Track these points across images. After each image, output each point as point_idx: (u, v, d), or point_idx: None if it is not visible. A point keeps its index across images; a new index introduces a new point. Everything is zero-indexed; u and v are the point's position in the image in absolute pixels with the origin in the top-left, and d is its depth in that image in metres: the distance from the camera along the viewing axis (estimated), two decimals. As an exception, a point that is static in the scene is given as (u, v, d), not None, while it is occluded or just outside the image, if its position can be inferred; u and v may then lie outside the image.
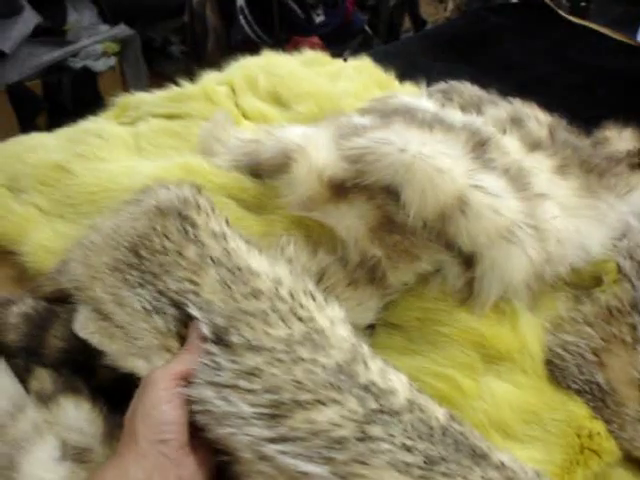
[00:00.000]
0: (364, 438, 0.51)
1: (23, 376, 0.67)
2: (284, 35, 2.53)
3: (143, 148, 0.99)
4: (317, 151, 0.72)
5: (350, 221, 0.69)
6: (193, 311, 0.59)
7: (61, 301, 0.75)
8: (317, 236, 0.72)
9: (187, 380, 0.55)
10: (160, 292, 0.61)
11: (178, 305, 0.60)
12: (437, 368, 0.67)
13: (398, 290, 0.70)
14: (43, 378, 0.66)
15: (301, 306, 0.59)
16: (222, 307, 0.58)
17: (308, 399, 0.52)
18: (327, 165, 0.71)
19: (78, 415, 0.61)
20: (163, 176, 0.83)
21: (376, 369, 0.56)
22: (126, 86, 2.46)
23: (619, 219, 0.81)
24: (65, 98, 2.29)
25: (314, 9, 2.52)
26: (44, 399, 0.63)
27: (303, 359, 0.55)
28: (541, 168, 0.81)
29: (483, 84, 1.15)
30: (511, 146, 0.83)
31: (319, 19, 2.54)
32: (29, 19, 2.18)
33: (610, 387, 0.68)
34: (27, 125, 2.15)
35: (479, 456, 0.53)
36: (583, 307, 0.74)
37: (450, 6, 3.40)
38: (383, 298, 0.69)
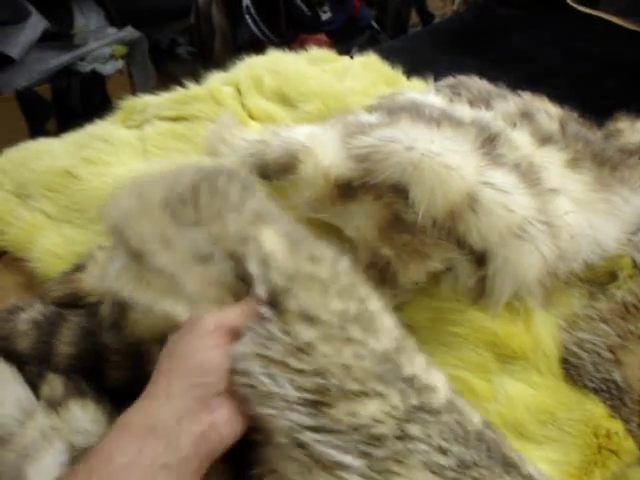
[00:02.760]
0: (403, 437, 0.49)
1: (36, 382, 0.67)
2: (291, 33, 2.52)
3: (149, 151, 0.99)
4: (323, 151, 0.71)
5: (359, 221, 0.68)
6: (251, 264, 0.54)
7: (70, 306, 0.75)
8: (326, 237, 0.71)
9: (235, 336, 0.51)
10: (216, 236, 0.56)
11: (234, 256, 0.55)
12: (450, 369, 0.66)
13: (409, 290, 0.69)
14: (54, 384, 0.66)
15: (356, 285, 0.56)
16: (284, 264, 0.54)
17: (354, 390, 0.49)
18: (334, 165, 0.70)
19: (84, 417, 0.61)
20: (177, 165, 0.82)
21: (420, 363, 0.54)
22: (134, 88, 2.46)
23: (634, 213, 0.80)
24: (74, 102, 2.30)
25: (320, 6, 2.51)
26: (54, 404, 0.63)
27: (354, 340, 0.52)
28: (552, 162, 0.80)
29: (492, 77, 1.14)
30: (521, 141, 0.82)
31: (326, 16, 2.53)
32: (36, 24, 2.18)
33: (627, 385, 0.66)
34: (37, 130, 2.16)
35: (510, 465, 0.52)
36: (598, 304, 0.72)
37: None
38: (394, 299, 0.68)
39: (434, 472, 0.48)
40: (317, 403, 0.49)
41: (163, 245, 0.56)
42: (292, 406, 0.49)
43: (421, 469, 0.48)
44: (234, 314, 0.53)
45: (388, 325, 0.55)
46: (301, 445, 0.48)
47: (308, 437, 0.48)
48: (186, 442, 0.46)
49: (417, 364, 0.53)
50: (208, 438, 0.48)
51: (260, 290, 0.52)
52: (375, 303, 0.56)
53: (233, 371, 0.50)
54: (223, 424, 0.49)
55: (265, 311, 0.52)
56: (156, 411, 0.47)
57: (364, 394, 0.50)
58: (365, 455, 0.48)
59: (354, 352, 0.51)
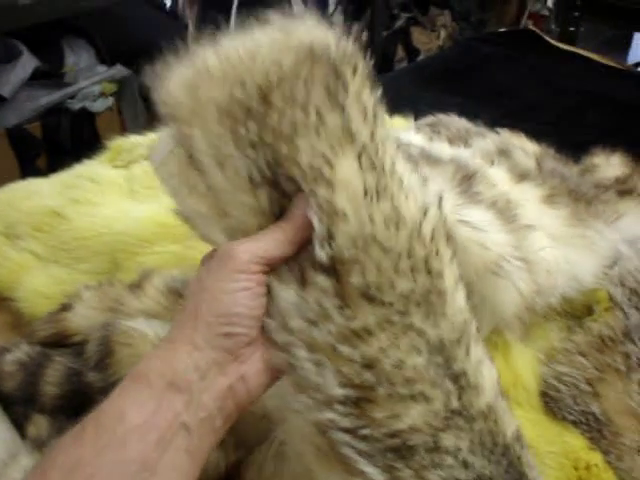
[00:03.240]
0: (432, 449, 0.44)
1: (22, 423, 0.68)
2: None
3: (136, 191, 1.00)
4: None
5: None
6: (312, 217, 0.43)
7: (57, 345, 0.76)
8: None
9: (271, 268, 0.45)
10: (279, 161, 0.45)
11: (297, 188, 0.45)
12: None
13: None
14: (40, 425, 0.67)
15: (437, 253, 0.46)
16: (355, 225, 0.43)
17: (402, 393, 0.43)
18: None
19: None
20: (157, 219, 0.84)
21: (474, 359, 0.47)
22: (124, 125, 2.49)
23: (609, 247, 0.82)
24: (64, 139, 2.31)
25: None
26: (39, 445, 0.63)
27: (413, 327, 0.44)
28: (529, 199, 0.81)
29: (473, 114, 1.17)
30: (499, 178, 0.84)
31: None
32: (27, 63, 2.21)
33: (606, 417, 0.68)
34: (27, 167, 2.17)
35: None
36: (576, 337, 0.74)
37: (442, 35, 3.44)
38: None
39: None
40: (359, 402, 0.43)
41: (217, 163, 0.47)
42: (332, 404, 0.43)
43: None
44: (273, 242, 0.44)
45: (457, 306, 0.47)
46: (329, 441, 0.43)
47: (339, 436, 0.43)
48: (209, 398, 0.41)
49: (471, 359, 0.47)
50: (235, 393, 0.43)
51: (320, 250, 0.43)
52: (451, 277, 0.47)
53: (272, 340, 0.44)
54: (252, 376, 0.44)
55: (321, 279, 0.43)
56: (178, 362, 0.41)
57: (411, 398, 0.43)
58: (390, 468, 0.43)
59: (410, 343, 0.44)
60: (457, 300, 0.47)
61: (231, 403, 0.43)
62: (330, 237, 0.43)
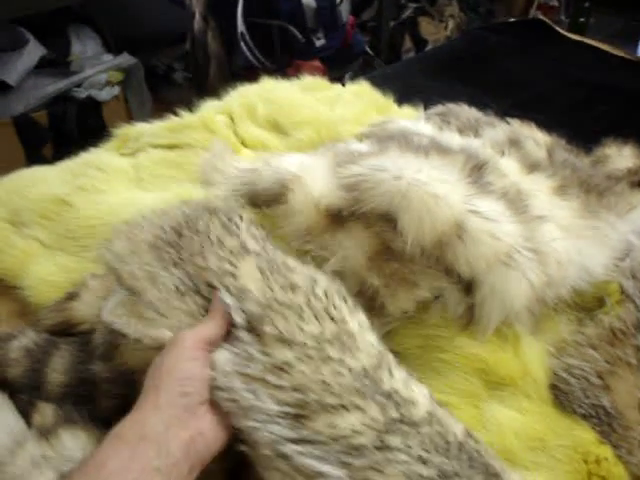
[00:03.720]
0: (382, 447, 0.51)
1: (27, 410, 0.67)
2: (285, 59, 2.55)
3: (143, 179, 1.00)
4: (313, 180, 0.72)
5: (347, 251, 0.69)
6: (226, 298, 0.59)
7: (63, 334, 0.76)
8: (318, 266, 0.72)
9: (211, 346, 0.56)
10: (196, 270, 0.62)
11: (212, 287, 0.61)
12: (439, 396, 0.66)
13: (398, 319, 0.70)
14: (45, 412, 0.66)
15: (334, 307, 0.59)
16: (258, 295, 0.59)
17: (333, 403, 0.52)
18: (323, 194, 0.71)
19: (75, 446, 0.61)
20: (163, 207, 0.83)
21: (400, 378, 0.57)
22: (130, 114, 2.48)
23: (620, 239, 0.81)
24: (70, 128, 2.31)
25: (314, 33, 2.54)
26: (45, 433, 0.63)
27: (332, 359, 0.55)
28: (540, 189, 0.81)
29: (483, 103, 1.16)
30: (509, 168, 0.83)
31: (320, 42, 2.56)
32: (34, 51, 2.20)
33: (616, 411, 0.67)
34: (33, 155, 2.17)
35: (492, 474, 0.53)
36: (586, 329, 0.73)
37: (450, 25, 3.42)
38: (383, 327, 0.69)
39: None
40: (297, 416, 0.52)
41: (150, 282, 0.62)
42: (273, 419, 0.52)
43: (401, 478, 0.50)
44: (208, 327, 0.57)
45: (369, 342, 0.58)
46: (283, 456, 0.51)
47: (289, 448, 0.51)
48: (175, 447, 0.49)
49: (397, 379, 0.56)
50: (196, 443, 0.51)
51: (237, 317, 0.58)
52: (354, 322, 0.59)
53: (216, 387, 0.54)
54: (209, 430, 0.52)
55: (243, 335, 0.57)
56: (146, 420, 0.50)
57: (343, 407, 0.52)
58: (345, 465, 0.50)
59: (332, 370, 0.54)
60: (367, 337, 0.59)
61: (194, 453, 0.50)
62: (242, 307, 0.58)
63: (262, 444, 0.52)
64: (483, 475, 0.53)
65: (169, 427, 0.50)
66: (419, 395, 0.56)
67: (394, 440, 0.52)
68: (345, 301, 0.61)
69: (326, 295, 0.60)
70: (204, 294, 0.61)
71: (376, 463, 0.50)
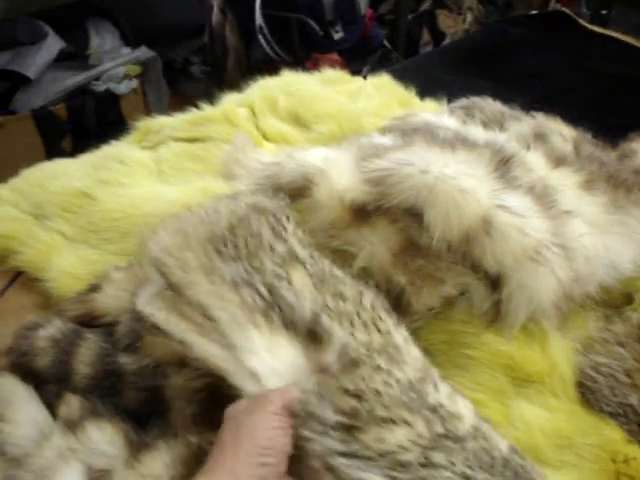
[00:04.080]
0: (427, 464, 0.50)
1: (53, 402, 0.67)
2: (304, 53, 2.54)
3: (164, 172, 1.00)
4: (338, 174, 0.72)
5: (373, 247, 0.68)
6: (286, 293, 0.58)
7: (85, 326, 0.76)
8: (343, 262, 0.72)
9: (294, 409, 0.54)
10: (255, 268, 0.60)
11: (270, 287, 0.59)
12: (466, 392, 0.65)
13: (424, 315, 0.69)
14: (71, 404, 0.66)
15: (380, 318, 0.59)
16: (312, 300, 0.58)
17: (383, 416, 0.51)
18: (348, 188, 0.70)
19: (101, 438, 0.61)
20: (185, 200, 0.83)
21: (445, 392, 0.56)
22: (148, 107, 2.49)
23: (649, 235, 0.79)
24: (89, 121, 2.32)
25: (332, 26, 2.52)
26: (71, 425, 0.63)
27: (381, 369, 0.54)
28: (567, 184, 0.79)
29: (505, 97, 1.14)
30: (535, 162, 0.82)
31: (338, 35, 2.55)
32: (53, 45, 2.21)
33: (645, 409, 0.66)
34: (52, 149, 2.18)
35: None
36: (614, 327, 0.72)
37: (468, 18, 3.39)
38: (409, 325, 0.68)
39: None
40: (351, 428, 0.51)
41: (206, 274, 0.60)
42: (328, 431, 0.51)
43: None
44: (296, 389, 0.54)
45: (413, 356, 0.58)
46: (331, 469, 0.50)
47: (338, 462, 0.50)
48: None
49: (442, 393, 0.55)
50: None
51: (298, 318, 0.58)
52: (399, 335, 0.59)
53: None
54: None
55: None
56: None
57: (392, 421, 0.51)
58: (391, 477, 0.49)
59: (382, 380, 0.53)
60: (412, 352, 0.58)
61: None
62: (299, 304, 0.58)
63: (313, 456, 0.51)
64: None
65: None
66: (464, 409, 0.55)
67: (438, 457, 0.51)
68: (390, 315, 0.61)
69: (373, 308, 0.60)
70: (261, 291, 0.59)
71: (420, 478, 0.49)
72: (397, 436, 0.51)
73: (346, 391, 0.52)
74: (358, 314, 0.58)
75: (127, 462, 0.58)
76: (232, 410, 0.54)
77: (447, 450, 0.51)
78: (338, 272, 0.64)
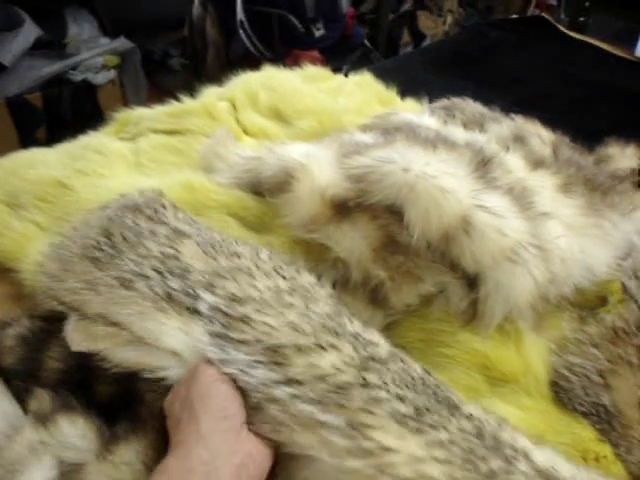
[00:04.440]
0: (365, 385, 0.52)
1: (23, 397, 0.66)
2: (284, 49, 2.54)
3: (143, 164, 0.98)
4: (320, 170, 0.72)
5: (352, 242, 0.68)
6: (172, 282, 0.59)
7: (59, 319, 0.75)
8: (318, 255, 0.72)
9: None
10: (142, 256, 0.62)
11: (159, 270, 0.61)
12: (441, 390, 0.66)
13: (401, 312, 0.69)
14: (42, 398, 0.65)
15: (281, 268, 0.62)
16: (203, 268, 0.60)
17: (308, 343, 0.54)
18: (330, 184, 0.70)
19: (73, 432, 0.60)
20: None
21: (358, 324, 0.60)
22: (126, 99, 2.46)
23: (623, 238, 0.81)
24: (65, 111, 2.29)
25: (314, 23, 2.52)
26: (42, 419, 0.62)
27: (294, 305, 0.58)
28: (545, 186, 0.80)
29: (484, 99, 1.15)
30: (515, 164, 0.83)
31: (319, 33, 2.55)
32: (29, 32, 2.18)
33: (616, 409, 0.67)
34: (27, 138, 2.15)
35: (453, 407, 0.54)
36: (588, 328, 0.73)
37: (449, 20, 3.42)
38: (385, 319, 0.68)
39: (399, 422, 0.51)
40: (274, 362, 0.54)
41: (91, 288, 0.61)
42: (250, 364, 0.54)
43: (388, 419, 0.51)
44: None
45: (324, 294, 0.62)
46: (275, 400, 0.52)
47: (280, 391, 0.52)
48: (227, 475, 0.47)
49: (356, 325, 0.59)
50: (247, 466, 0.49)
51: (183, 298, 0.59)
52: (304, 279, 0.63)
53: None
54: (257, 451, 0.50)
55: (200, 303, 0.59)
56: (191, 452, 0.48)
57: (319, 347, 0.54)
58: (341, 408, 0.51)
59: (298, 313, 0.57)
60: (321, 291, 0.62)
61: (246, 476, 0.48)
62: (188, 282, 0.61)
63: (249, 389, 0.53)
64: (447, 408, 0.54)
65: (216, 455, 0.48)
66: (378, 338, 0.59)
67: (372, 377, 0.53)
68: (289, 265, 0.64)
69: (270, 259, 0.63)
70: (152, 278, 0.60)
71: (365, 403, 0.51)
72: (329, 359, 0.53)
73: (245, 341, 0.55)
74: (257, 266, 0.61)
75: (99, 454, 0.57)
76: (170, 396, 0.56)
77: (377, 371, 0.54)
78: (230, 238, 0.66)
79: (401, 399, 0.52)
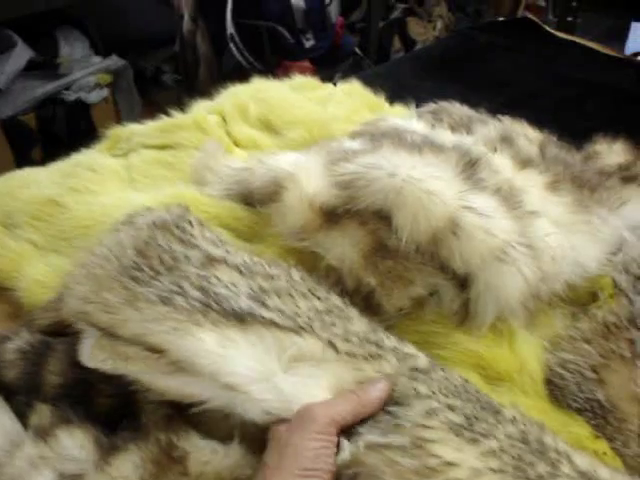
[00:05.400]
0: (417, 396, 0.53)
1: (24, 412, 0.67)
2: (275, 60, 2.55)
3: (135, 180, 0.99)
4: (308, 178, 0.72)
5: (342, 249, 0.69)
6: (218, 289, 0.59)
7: (57, 334, 0.75)
8: (311, 263, 0.72)
9: (341, 428, 0.52)
10: (180, 277, 0.60)
11: (200, 288, 0.59)
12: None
13: (394, 316, 0.70)
14: (42, 412, 0.66)
15: (315, 289, 0.63)
16: (246, 285, 0.60)
17: (362, 353, 0.56)
18: (318, 192, 0.71)
19: (72, 444, 0.60)
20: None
21: (394, 339, 0.61)
22: (119, 116, 2.48)
23: (613, 233, 0.81)
24: (59, 130, 2.31)
25: (304, 33, 2.54)
26: (42, 434, 0.63)
27: (335, 325, 0.58)
28: (533, 185, 0.81)
29: (474, 102, 1.16)
30: (502, 165, 0.83)
31: (309, 43, 2.57)
32: (22, 54, 2.20)
33: (611, 404, 0.67)
34: (22, 159, 2.16)
35: (497, 412, 0.54)
36: (580, 324, 0.73)
37: (439, 25, 3.43)
38: (380, 324, 0.69)
39: (456, 433, 0.50)
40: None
41: (131, 305, 0.58)
42: None
43: (447, 431, 0.50)
44: (342, 406, 0.53)
45: (356, 314, 0.62)
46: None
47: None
48: None
49: (393, 339, 0.60)
50: None
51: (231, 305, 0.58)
52: (336, 299, 0.63)
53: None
54: None
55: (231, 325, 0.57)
56: None
57: (370, 356, 0.56)
58: (399, 426, 0.51)
59: (343, 329, 0.58)
60: (353, 311, 0.63)
61: None
62: (234, 298, 0.59)
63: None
64: (492, 415, 0.54)
65: None
66: (414, 350, 0.60)
67: (422, 387, 0.53)
68: (320, 284, 0.64)
69: (304, 280, 0.63)
70: (192, 295, 0.58)
71: (420, 416, 0.51)
72: (380, 367, 0.55)
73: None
74: (294, 287, 0.61)
75: (97, 465, 0.58)
76: (276, 429, 0.53)
77: (423, 381, 0.54)
78: (258, 259, 0.65)
79: (451, 408, 0.52)
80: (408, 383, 0.54)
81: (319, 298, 0.61)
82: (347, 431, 0.53)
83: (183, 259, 0.62)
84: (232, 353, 0.55)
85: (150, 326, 0.57)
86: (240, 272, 0.61)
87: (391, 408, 0.52)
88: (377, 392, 0.54)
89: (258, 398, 0.53)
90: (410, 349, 0.60)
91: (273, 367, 0.55)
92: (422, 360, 0.58)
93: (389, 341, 0.59)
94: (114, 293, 0.59)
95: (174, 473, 0.55)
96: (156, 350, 0.56)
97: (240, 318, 0.56)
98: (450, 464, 0.48)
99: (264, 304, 0.58)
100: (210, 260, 0.62)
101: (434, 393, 0.53)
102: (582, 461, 0.53)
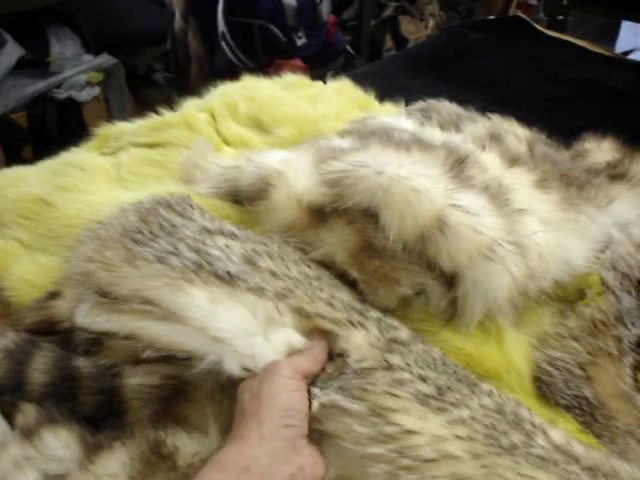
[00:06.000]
0: (388, 367, 0.55)
1: (10, 412, 0.66)
2: (267, 59, 2.55)
3: (124, 178, 0.99)
4: (296, 176, 0.72)
5: (330, 248, 0.69)
6: (212, 250, 0.63)
7: (43, 333, 0.75)
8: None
9: (306, 379, 0.56)
10: (178, 239, 0.65)
11: (196, 249, 0.63)
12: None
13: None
14: (28, 412, 0.65)
15: (306, 259, 0.68)
16: (239, 249, 0.64)
17: (341, 319, 0.58)
18: (306, 190, 0.71)
19: (57, 444, 0.60)
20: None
21: (377, 311, 0.64)
22: (111, 115, 2.47)
23: (601, 231, 0.81)
24: (50, 129, 2.29)
25: (295, 32, 2.54)
26: (27, 434, 0.62)
27: (324, 289, 0.62)
28: (521, 183, 0.81)
29: (464, 100, 1.16)
30: (490, 162, 0.84)
31: (301, 42, 2.56)
32: (12, 52, 2.18)
33: (598, 401, 0.67)
34: (13, 157, 2.14)
35: (473, 384, 0.57)
36: (568, 321, 0.73)
37: (431, 24, 3.44)
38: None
39: (421, 402, 0.52)
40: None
41: (130, 263, 0.62)
42: None
43: (411, 401, 0.52)
44: (305, 360, 0.57)
45: (343, 285, 0.66)
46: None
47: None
48: None
49: (376, 311, 0.64)
50: (296, 478, 0.49)
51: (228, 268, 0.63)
52: (312, 271, 0.66)
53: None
54: (309, 466, 0.51)
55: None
56: (249, 451, 0.49)
57: (351, 324, 0.58)
58: (363, 394, 0.53)
59: (329, 294, 0.61)
60: (333, 281, 0.67)
61: None
62: (228, 255, 0.65)
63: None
64: (467, 386, 0.56)
65: (273, 460, 0.49)
66: (397, 322, 0.63)
67: (395, 359, 0.56)
68: (295, 255, 0.69)
69: (295, 251, 0.70)
70: (187, 256, 0.62)
71: (389, 386, 0.53)
72: (356, 339, 0.57)
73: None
74: (286, 254, 0.66)
75: (81, 465, 0.57)
76: (244, 384, 0.55)
77: (400, 353, 0.57)
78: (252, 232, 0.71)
79: (423, 379, 0.54)
80: (379, 355, 0.56)
81: (309, 266, 0.66)
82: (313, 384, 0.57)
83: (182, 228, 0.66)
84: (220, 309, 0.58)
85: (146, 281, 0.60)
86: (234, 237, 0.66)
87: (358, 378, 0.54)
88: (323, 351, 0.59)
89: (243, 353, 0.56)
90: (394, 322, 0.63)
91: (255, 328, 0.57)
92: (404, 333, 0.61)
93: (374, 312, 0.63)
94: (115, 252, 0.64)
95: (163, 470, 0.55)
96: (150, 304, 0.59)
97: (229, 280, 0.60)
98: (409, 432, 0.50)
99: (256, 265, 0.62)
100: (206, 231, 0.67)
101: (408, 365, 0.55)
102: (557, 435, 0.55)
